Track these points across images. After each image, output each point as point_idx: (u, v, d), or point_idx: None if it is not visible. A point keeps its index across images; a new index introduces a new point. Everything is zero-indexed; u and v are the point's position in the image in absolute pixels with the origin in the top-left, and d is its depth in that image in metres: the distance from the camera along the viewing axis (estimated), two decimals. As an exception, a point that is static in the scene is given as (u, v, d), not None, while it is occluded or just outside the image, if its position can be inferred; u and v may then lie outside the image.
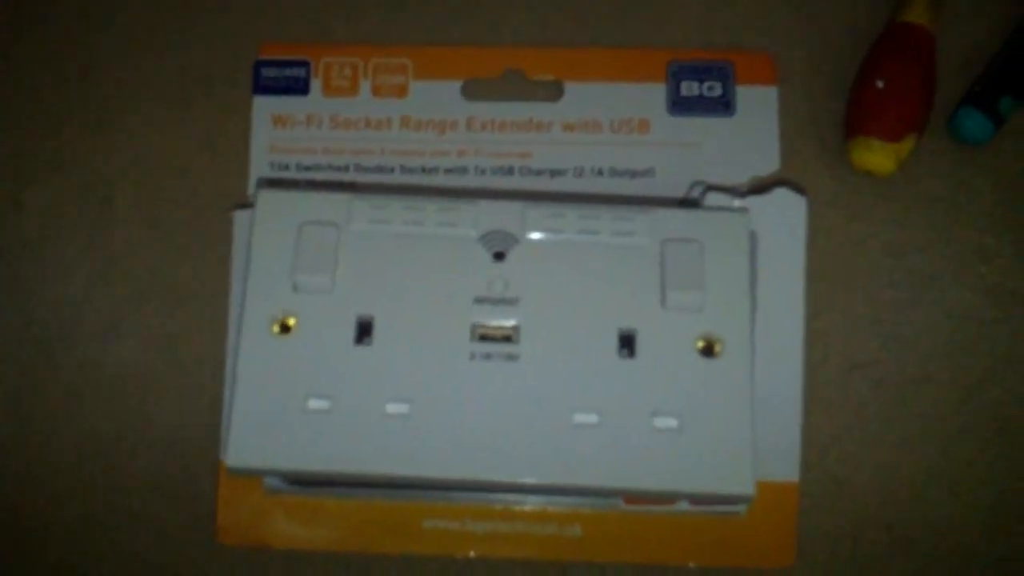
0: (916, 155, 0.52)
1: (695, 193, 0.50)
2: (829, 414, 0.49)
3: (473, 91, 0.53)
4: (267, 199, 0.46)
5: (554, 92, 0.53)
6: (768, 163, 0.52)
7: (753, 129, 0.52)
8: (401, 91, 0.52)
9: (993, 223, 0.51)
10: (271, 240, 0.46)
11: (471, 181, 0.51)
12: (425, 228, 0.46)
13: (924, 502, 0.48)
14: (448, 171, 0.52)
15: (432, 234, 0.46)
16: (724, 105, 0.52)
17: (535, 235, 0.47)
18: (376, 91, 0.52)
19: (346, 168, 0.52)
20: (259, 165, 0.52)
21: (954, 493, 0.48)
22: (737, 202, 0.49)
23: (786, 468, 0.48)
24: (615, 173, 0.52)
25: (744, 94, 0.52)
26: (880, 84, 0.50)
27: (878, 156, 0.50)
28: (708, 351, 0.45)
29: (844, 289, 0.51)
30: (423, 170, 0.51)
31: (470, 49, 0.53)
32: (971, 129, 0.51)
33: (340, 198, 0.47)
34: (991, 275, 0.51)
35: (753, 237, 0.48)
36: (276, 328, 0.45)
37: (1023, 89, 0.51)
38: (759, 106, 0.52)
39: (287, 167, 0.51)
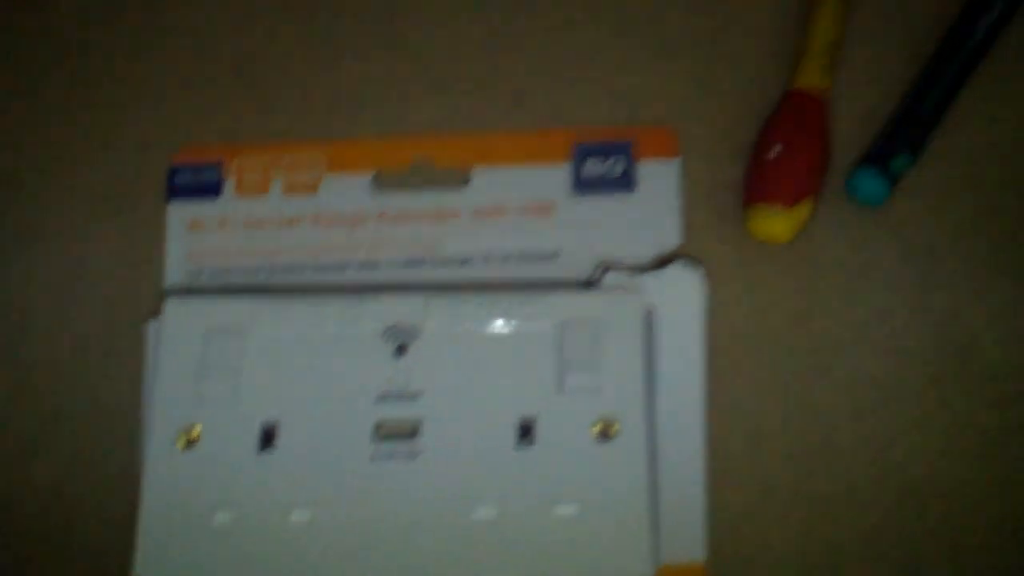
0: (816, 219, 0.53)
1: (597, 274, 0.50)
2: (736, 489, 0.49)
3: (383, 184, 0.54)
4: (173, 309, 0.48)
5: (462, 179, 0.54)
6: (671, 237, 0.53)
7: (655, 204, 0.53)
8: (312, 187, 0.54)
9: (893, 284, 0.52)
10: (177, 350, 0.47)
11: (383, 275, 0.52)
12: (328, 328, 0.47)
13: (838, 574, 0.48)
14: (360, 266, 0.52)
15: (335, 334, 0.47)
16: (626, 182, 0.53)
17: (436, 327, 0.47)
18: (287, 189, 0.54)
19: (259, 270, 0.53)
20: (175, 272, 0.53)
21: (867, 561, 0.48)
22: (634, 280, 0.50)
23: (691, 548, 0.48)
24: (522, 258, 0.53)
25: (646, 169, 0.53)
26: (774, 152, 0.51)
27: (775, 223, 0.51)
28: (605, 433, 0.45)
29: (748, 359, 0.51)
30: (335, 267, 0.52)
31: (379, 141, 0.54)
32: (866, 189, 0.52)
33: (244, 304, 0.48)
34: (892, 337, 0.51)
35: (650, 315, 0.49)
36: (181, 441, 0.46)
37: (918, 145, 0.52)
38: (661, 180, 0.53)
39: (201, 273, 0.52)
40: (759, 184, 0.52)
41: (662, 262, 0.52)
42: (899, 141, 0.52)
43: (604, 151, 0.53)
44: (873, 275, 0.52)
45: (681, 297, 0.50)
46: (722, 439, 0.50)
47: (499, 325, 0.47)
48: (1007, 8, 0.53)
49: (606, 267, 0.51)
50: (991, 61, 0.54)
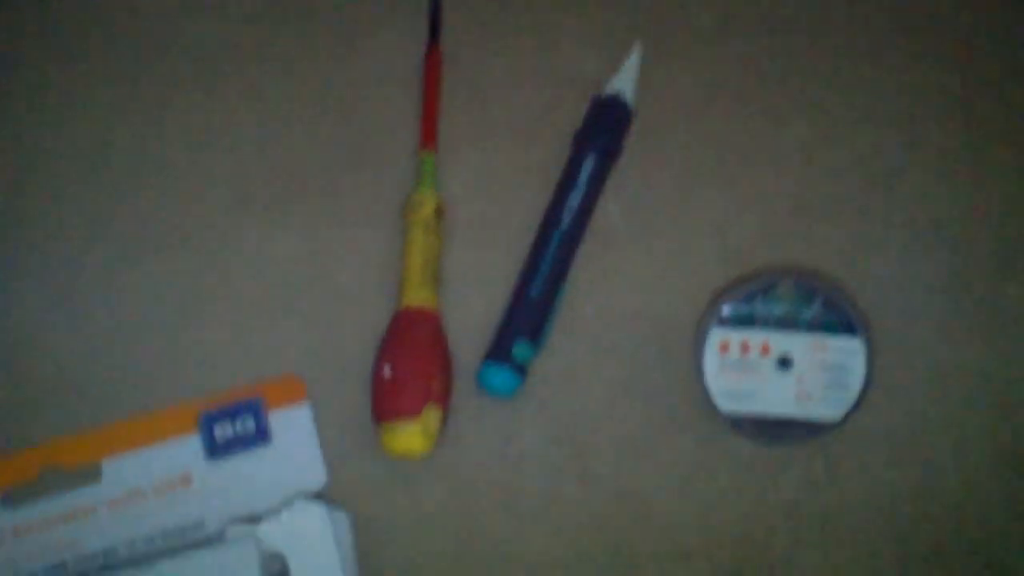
0: (457, 421, 0.53)
1: (223, 530, 0.50)
2: None
3: (14, 500, 0.52)
4: None
5: (94, 475, 0.52)
6: (316, 477, 0.52)
7: (293, 450, 0.52)
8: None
9: (542, 471, 0.53)
10: None
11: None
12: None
13: None
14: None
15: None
16: (261, 436, 0.52)
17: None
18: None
19: None
20: None
21: None
22: (256, 529, 0.49)
23: None
24: (167, 535, 0.51)
25: (278, 419, 0.53)
26: (387, 371, 0.50)
27: (404, 437, 0.50)
28: None
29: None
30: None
31: (3, 460, 0.52)
32: (495, 383, 0.53)
33: None
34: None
35: (271, 558, 0.49)
36: None
37: (536, 331, 0.53)
38: (295, 426, 0.53)
39: None
40: (380, 404, 0.52)
41: (301, 503, 0.50)
42: (516, 331, 0.53)
43: (232, 413, 0.52)
44: (525, 466, 0.53)
45: (312, 534, 0.49)
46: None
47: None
48: (588, 197, 0.56)
49: (231, 522, 0.50)
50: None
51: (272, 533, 0.48)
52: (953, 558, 0.51)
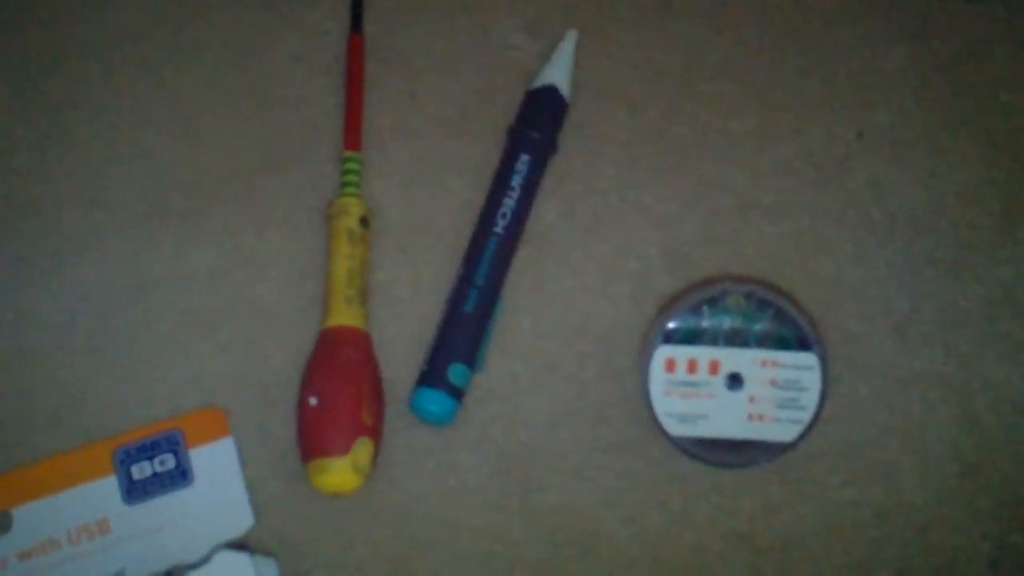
0: (389, 453, 0.50)
1: None
2: None
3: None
4: None
5: (3, 524, 0.49)
6: (242, 519, 0.49)
7: (216, 490, 0.49)
8: None
9: (484, 504, 0.50)
10: None
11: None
12: None
13: None
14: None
15: None
16: (181, 475, 0.49)
17: None
18: None
19: None
20: None
21: None
22: None
23: None
24: (84, 589, 0.46)
25: (199, 456, 0.50)
26: (312, 402, 0.48)
27: (335, 474, 0.47)
28: None
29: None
30: None
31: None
32: (430, 409, 0.50)
33: None
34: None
35: None
36: None
37: (470, 352, 0.50)
38: (218, 463, 0.50)
39: None
40: (307, 440, 0.48)
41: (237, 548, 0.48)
42: (450, 351, 0.50)
43: (150, 450, 0.49)
44: (464, 498, 0.50)
45: None
46: None
47: None
48: (523, 198, 0.52)
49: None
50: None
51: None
52: (919, 581, 0.48)
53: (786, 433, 0.48)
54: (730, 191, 0.52)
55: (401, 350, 0.51)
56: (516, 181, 0.51)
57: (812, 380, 0.47)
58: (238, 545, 0.47)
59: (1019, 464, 0.49)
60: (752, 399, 0.47)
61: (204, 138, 0.53)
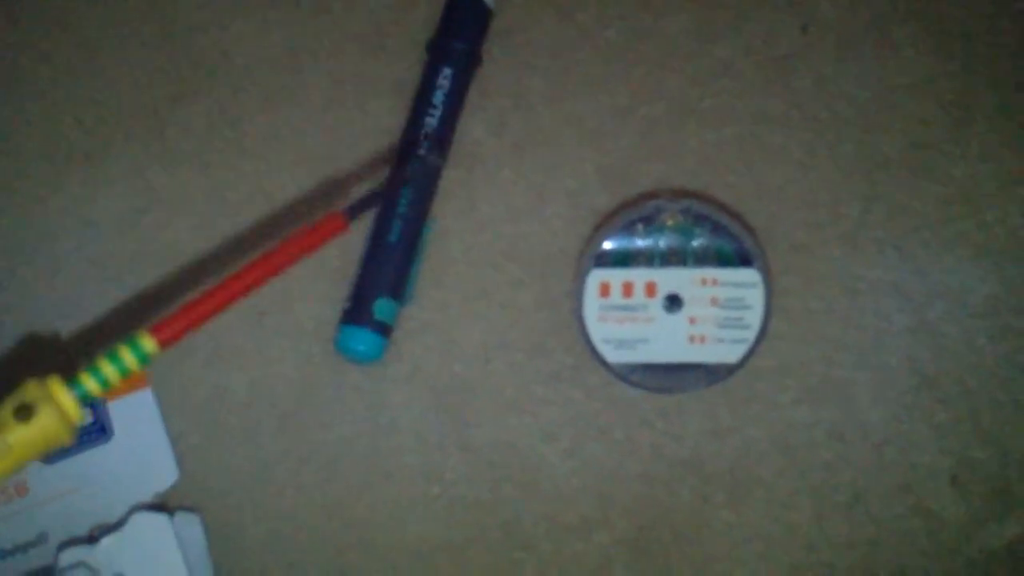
0: (317, 396, 0.48)
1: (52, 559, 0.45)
2: None
3: None
4: None
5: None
6: (165, 473, 0.47)
7: (138, 444, 0.47)
8: None
9: (418, 443, 0.48)
10: None
11: None
12: None
13: None
14: None
15: None
16: (100, 431, 0.47)
17: None
18: None
19: None
20: None
21: None
22: (96, 548, 0.45)
23: None
24: (4, 555, 0.46)
25: (119, 409, 0.47)
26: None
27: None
28: None
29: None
30: None
31: None
32: (356, 348, 0.47)
33: None
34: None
35: None
36: None
37: (396, 283, 0.47)
38: (137, 417, 0.48)
39: None
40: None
41: (155, 508, 0.46)
42: (375, 286, 0.47)
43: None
44: (401, 436, 0.48)
45: (155, 550, 0.45)
46: None
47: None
48: (447, 115, 0.49)
49: (60, 546, 0.45)
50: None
51: (110, 552, 0.44)
52: (876, 505, 0.46)
53: (730, 354, 0.45)
54: (666, 97, 0.48)
55: (324, 287, 0.48)
56: (438, 98, 0.48)
57: (755, 297, 0.45)
58: (156, 505, 0.45)
59: (978, 374, 0.46)
60: (692, 320, 0.45)
61: (106, 70, 0.49)
